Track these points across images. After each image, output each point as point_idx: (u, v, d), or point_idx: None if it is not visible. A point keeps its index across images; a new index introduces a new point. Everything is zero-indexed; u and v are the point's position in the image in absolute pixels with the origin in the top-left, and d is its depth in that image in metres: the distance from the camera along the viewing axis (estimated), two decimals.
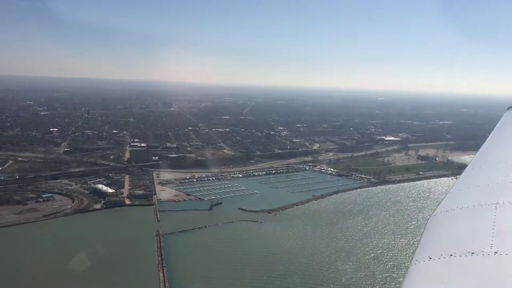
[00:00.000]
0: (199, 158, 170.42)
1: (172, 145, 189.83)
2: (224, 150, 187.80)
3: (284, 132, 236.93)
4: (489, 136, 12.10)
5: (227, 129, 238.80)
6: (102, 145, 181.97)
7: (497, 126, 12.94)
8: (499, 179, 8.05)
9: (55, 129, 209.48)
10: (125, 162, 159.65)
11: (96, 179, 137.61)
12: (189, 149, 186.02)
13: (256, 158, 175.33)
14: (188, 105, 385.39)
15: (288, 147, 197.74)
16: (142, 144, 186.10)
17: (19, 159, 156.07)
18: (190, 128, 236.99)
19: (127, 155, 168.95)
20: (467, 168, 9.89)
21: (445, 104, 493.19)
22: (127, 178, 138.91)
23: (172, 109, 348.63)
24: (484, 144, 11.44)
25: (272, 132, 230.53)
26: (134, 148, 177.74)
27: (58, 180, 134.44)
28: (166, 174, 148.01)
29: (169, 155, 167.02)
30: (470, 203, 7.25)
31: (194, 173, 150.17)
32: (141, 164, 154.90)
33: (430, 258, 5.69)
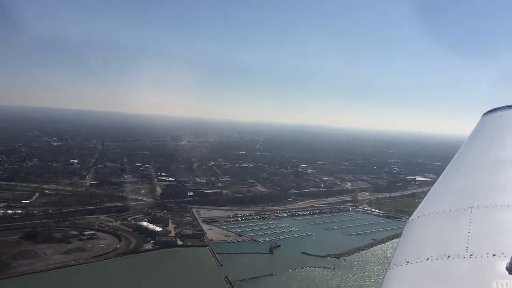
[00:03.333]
0: (236, 195, 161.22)
1: (201, 180, 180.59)
2: (257, 187, 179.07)
3: (309, 170, 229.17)
4: (465, 141, 11.87)
5: (251, 165, 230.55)
6: (129, 179, 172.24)
7: (472, 131, 12.61)
8: (474, 183, 7.89)
9: (75, 161, 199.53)
10: (158, 197, 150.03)
11: (135, 215, 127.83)
12: (220, 185, 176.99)
13: (293, 196, 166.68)
14: (197, 140, 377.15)
15: (322, 186, 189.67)
16: (171, 179, 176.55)
17: (46, 191, 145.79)
18: (212, 163, 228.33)
19: (159, 189, 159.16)
20: (443, 173, 9.52)
21: (448, 145, 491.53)
22: (168, 215, 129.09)
23: (183, 143, 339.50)
24: (460, 149, 11.17)
25: (299, 170, 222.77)
26: (164, 183, 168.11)
27: (95, 216, 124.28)
28: (205, 211, 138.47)
29: (204, 191, 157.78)
30: (446, 207, 7.15)
31: (236, 211, 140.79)
32: (177, 200, 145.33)
33: (408, 262, 5.63)
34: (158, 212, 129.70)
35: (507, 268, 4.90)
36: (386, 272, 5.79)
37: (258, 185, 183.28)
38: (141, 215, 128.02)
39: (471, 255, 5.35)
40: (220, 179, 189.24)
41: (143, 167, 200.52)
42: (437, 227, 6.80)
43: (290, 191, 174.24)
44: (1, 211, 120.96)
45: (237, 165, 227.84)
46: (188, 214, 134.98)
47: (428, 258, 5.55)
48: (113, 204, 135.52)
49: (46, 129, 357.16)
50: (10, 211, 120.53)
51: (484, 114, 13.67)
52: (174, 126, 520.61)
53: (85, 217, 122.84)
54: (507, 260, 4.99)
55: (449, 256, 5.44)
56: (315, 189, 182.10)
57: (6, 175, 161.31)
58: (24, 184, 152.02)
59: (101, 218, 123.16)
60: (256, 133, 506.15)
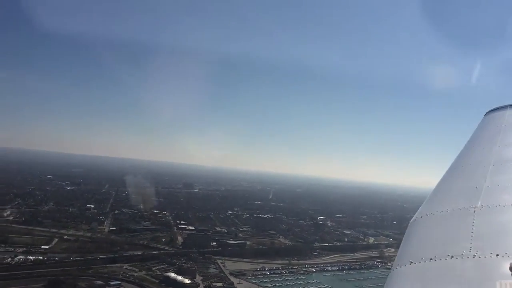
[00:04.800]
0: (260, 246, 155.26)
1: (222, 230, 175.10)
2: (279, 239, 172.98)
3: (329, 222, 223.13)
4: (468, 141, 11.38)
5: (269, 215, 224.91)
6: (148, 226, 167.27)
7: (475, 130, 12.12)
8: (477, 183, 7.72)
9: (92, 206, 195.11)
10: (181, 247, 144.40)
11: (159, 265, 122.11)
12: (241, 235, 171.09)
13: (318, 250, 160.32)
14: (209, 188, 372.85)
15: (346, 239, 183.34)
16: (190, 227, 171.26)
17: (65, 237, 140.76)
18: (230, 212, 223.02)
19: (180, 238, 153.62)
20: (445, 173, 9.44)
21: None
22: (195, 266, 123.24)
23: (196, 191, 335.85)
24: (462, 149, 10.85)
25: (319, 222, 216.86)
26: (185, 231, 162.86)
27: (118, 264, 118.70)
28: (231, 263, 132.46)
29: (228, 242, 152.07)
30: (449, 207, 7.05)
31: (262, 264, 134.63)
32: (200, 250, 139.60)
33: (411, 262, 5.59)
34: (184, 263, 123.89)
35: (510, 269, 4.76)
36: (390, 272, 5.61)
37: (280, 236, 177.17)
38: (166, 265, 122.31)
39: (474, 255, 5.23)
40: (240, 229, 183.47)
41: (161, 214, 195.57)
42: (440, 227, 6.63)
43: (314, 245, 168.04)
44: (22, 257, 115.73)
45: (255, 215, 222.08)
46: (213, 266, 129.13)
47: (431, 258, 5.40)
48: (135, 253, 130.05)
49: (58, 173, 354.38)
50: (30, 257, 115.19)
51: (486, 113, 13.37)
52: (183, 174, 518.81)
53: (107, 265, 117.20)
54: (511, 260, 4.87)
55: (452, 256, 5.30)
56: (339, 243, 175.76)
57: (23, 219, 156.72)
58: (42, 229, 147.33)
59: (124, 267, 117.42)
60: (266, 183, 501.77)
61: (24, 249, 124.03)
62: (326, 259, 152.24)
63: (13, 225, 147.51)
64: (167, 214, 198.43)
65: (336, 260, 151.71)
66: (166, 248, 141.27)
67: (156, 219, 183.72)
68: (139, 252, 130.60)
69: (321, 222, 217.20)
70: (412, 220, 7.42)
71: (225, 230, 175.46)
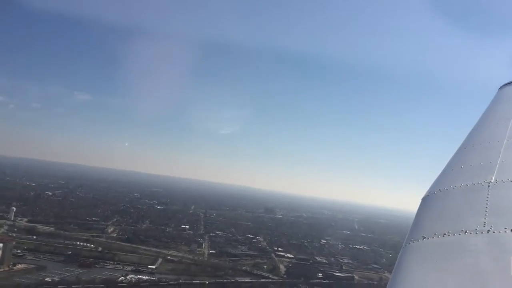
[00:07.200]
0: (369, 282, 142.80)
1: (322, 260, 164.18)
2: (384, 274, 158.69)
3: None
4: (482, 115, 10.59)
5: (365, 247, 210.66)
6: (246, 251, 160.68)
7: (489, 104, 11.39)
8: (491, 158, 7.35)
9: (187, 227, 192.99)
10: (285, 276, 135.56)
11: None
12: (344, 267, 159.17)
13: None
14: (291, 214, 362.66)
15: None
16: (289, 255, 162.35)
17: (168, 257, 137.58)
18: (323, 241, 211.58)
19: (282, 267, 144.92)
20: (459, 147, 8.93)
21: None
22: None
23: (279, 216, 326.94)
24: (476, 123, 10.07)
25: None
26: (284, 259, 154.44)
27: None
28: None
29: (334, 274, 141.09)
30: (462, 182, 6.68)
31: None
32: (308, 281, 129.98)
33: (424, 238, 5.40)
34: None
35: None
36: (402, 247, 5.44)
37: (385, 271, 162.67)
38: None
39: (488, 231, 5.08)
40: (341, 260, 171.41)
41: (255, 239, 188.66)
42: (453, 202, 6.37)
43: None
44: (132, 276, 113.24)
45: (350, 246, 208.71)
46: None
47: (444, 234, 5.25)
48: (242, 279, 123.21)
49: (143, 192, 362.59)
50: (142, 277, 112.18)
51: (501, 87, 12.42)
52: (258, 198, 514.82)
53: None
54: None
55: (466, 232, 5.15)
56: None
57: (126, 237, 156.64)
58: (144, 247, 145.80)
59: None
60: (344, 211, 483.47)
61: (132, 267, 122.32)
62: None
63: (117, 242, 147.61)
64: (261, 239, 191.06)
65: None
66: (271, 276, 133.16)
67: (251, 244, 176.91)
68: (247, 279, 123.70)
69: None
70: (424, 195, 6.87)
71: (325, 261, 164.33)
